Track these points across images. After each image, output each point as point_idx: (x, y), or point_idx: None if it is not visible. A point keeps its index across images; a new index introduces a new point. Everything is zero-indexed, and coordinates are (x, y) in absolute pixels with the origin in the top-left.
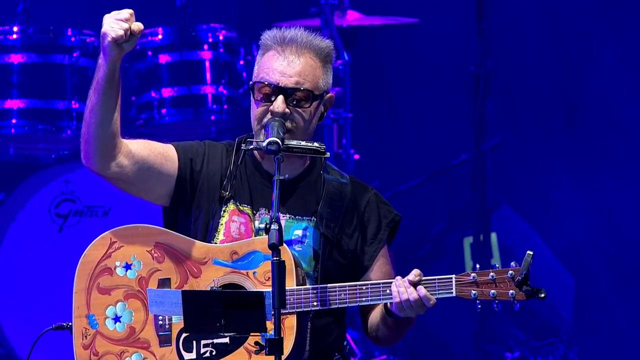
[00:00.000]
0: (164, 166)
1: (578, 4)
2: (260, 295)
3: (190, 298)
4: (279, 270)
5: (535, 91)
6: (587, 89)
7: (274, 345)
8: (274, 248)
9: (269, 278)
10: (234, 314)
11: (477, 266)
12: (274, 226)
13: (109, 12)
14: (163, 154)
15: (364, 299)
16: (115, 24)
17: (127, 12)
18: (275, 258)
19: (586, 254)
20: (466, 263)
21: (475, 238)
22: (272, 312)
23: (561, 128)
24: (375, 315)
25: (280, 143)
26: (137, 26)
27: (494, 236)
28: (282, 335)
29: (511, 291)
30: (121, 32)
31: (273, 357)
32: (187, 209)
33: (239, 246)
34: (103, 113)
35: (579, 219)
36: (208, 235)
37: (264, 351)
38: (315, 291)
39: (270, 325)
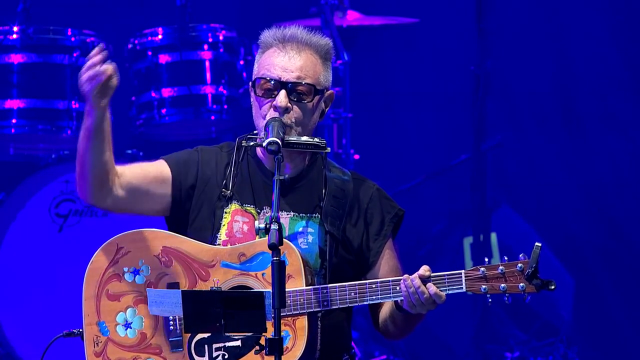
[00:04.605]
0: (159, 188)
1: (578, 4)
2: (260, 295)
3: (190, 298)
4: (279, 270)
5: (535, 91)
6: (586, 88)
7: (274, 345)
8: (274, 248)
9: None
10: (234, 314)
11: (486, 260)
12: (274, 226)
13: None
14: (157, 176)
15: (374, 297)
16: (89, 72)
17: (95, 50)
18: (275, 258)
19: (586, 254)
20: (466, 263)
21: (475, 238)
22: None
23: (561, 128)
24: (385, 310)
25: (280, 143)
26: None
27: (494, 236)
28: (293, 336)
29: (521, 284)
30: (95, 72)
31: (285, 357)
32: (186, 216)
33: (246, 248)
34: (96, 155)
35: (578, 219)
36: (210, 236)
37: (264, 351)
38: (325, 291)
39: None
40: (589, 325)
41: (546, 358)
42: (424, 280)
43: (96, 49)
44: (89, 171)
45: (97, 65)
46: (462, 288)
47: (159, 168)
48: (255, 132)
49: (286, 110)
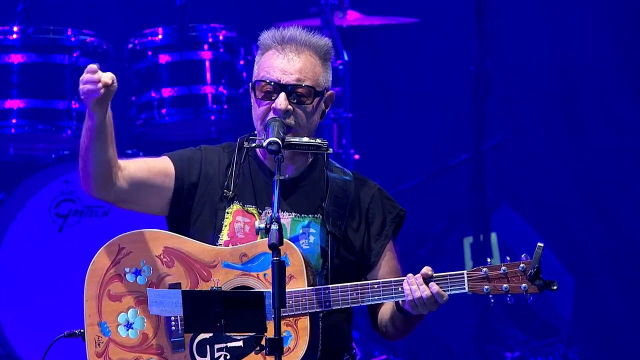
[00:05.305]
0: (162, 183)
1: (578, 3)
2: (260, 295)
3: (190, 298)
4: (279, 270)
5: (535, 91)
6: (586, 88)
7: (274, 345)
8: (274, 248)
9: None
10: (234, 314)
11: (489, 260)
12: (274, 226)
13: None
14: (161, 170)
15: (376, 297)
16: (87, 82)
17: (90, 67)
18: (275, 258)
19: (586, 254)
20: (466, 263)
21: (475, 238)
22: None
23: (561, 128)
24: (385, 311)
25: (281, 143)
26: (107, 76)
27: (494, 236)
28: (295, 336)
29: (524, 285)
30: (93, 87)
31: (288, 357)
32: (188, 214)
33: (248, 248)
34: (99, 154)
35: (578, 218)
36: (212, 236)
37: (264, 351)
38: (327, 291)
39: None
40: (589, 325)
41: (546, 358)
42: (427, 279)
43: (92, 66)
44: (92, 168)
45: (94, 82)
46: (464, 288)
47: (163, 163)
48: (255, 132)
49: (286, 112)
